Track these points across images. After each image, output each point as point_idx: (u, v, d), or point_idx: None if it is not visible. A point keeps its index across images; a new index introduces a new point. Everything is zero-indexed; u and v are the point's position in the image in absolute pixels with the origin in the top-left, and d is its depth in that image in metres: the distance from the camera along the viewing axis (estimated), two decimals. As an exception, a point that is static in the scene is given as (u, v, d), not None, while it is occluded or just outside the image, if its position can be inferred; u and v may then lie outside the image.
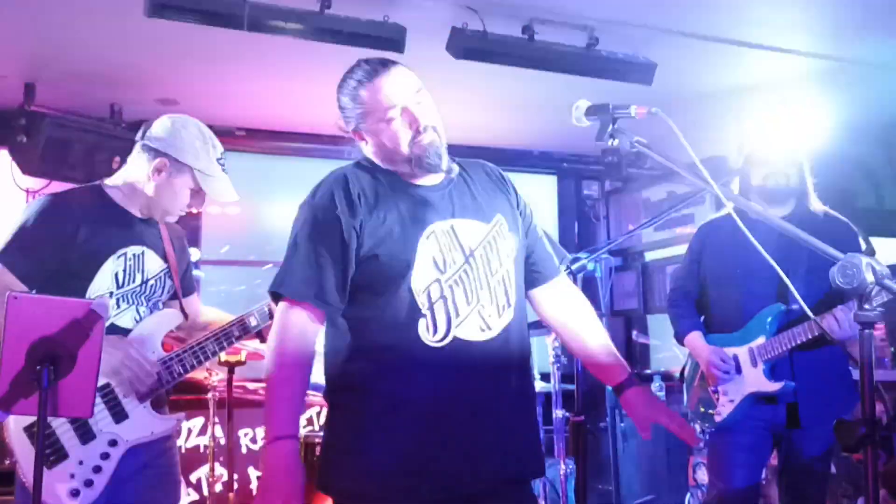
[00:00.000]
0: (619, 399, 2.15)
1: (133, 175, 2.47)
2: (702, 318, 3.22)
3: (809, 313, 2.06)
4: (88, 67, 4.54)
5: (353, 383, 1.89)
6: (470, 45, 3.88)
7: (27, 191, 5.07)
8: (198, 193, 2.51)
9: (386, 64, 1.97)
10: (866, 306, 1.38)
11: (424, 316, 1.85)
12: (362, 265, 1.87)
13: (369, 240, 1.87)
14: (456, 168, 2.00)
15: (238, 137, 5.69)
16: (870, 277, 1.36)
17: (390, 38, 3.74)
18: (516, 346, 1.96)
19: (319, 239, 1.87)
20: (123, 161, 2.54)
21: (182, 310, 2.58)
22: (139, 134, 2.47)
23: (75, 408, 1.94)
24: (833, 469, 3.92)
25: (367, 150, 2.00)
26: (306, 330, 1.87)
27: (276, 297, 1.91)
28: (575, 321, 2.16)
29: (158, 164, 2.43)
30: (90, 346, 1.87)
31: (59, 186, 5.17)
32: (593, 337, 2.16)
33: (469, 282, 1.89)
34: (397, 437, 1.84)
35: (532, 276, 2.10)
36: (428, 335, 1.85)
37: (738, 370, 3.02)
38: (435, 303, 1.85)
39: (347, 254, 1.87)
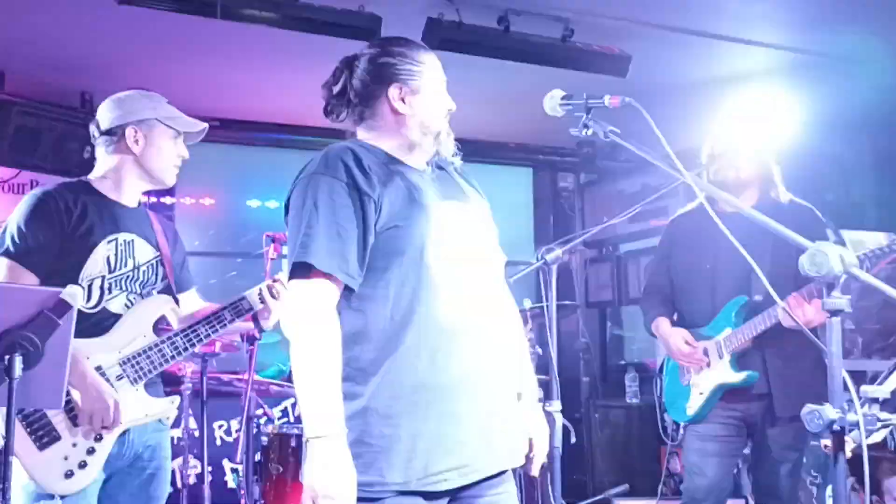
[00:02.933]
0: None
1: (112, 161, 2.49)
2: (674, 314, 3.25)
3: (776, 297, 2.07)
4: (59, 56, 4.47)
5: (365, 366, 1.79)
6: (445, 36, 3.87)
7: (-4, 180, 5.00)
8: (177, 139, 2.55)
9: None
10: (835, 294, 1.40)
11: (445, 293, 1.81)
12: (382, 236, 1.80)
13: (388, 211, 1.81)
14: (458, 161, 2.04)
15: (212, 128, 5.63)
16: (838, 266, 1.38)
17: (365, 28, 3.72)
18: (511, 327, 1.97)
19: (340, 210, 1.78)
20: (94, 151, 2.54)
21: (175, 299, 2.59)
22: (94, 131, 2.51)
23: (46, 399, 1.92)
24: (803, 458, 3.98)
25: (395, 112, 1.93)
26: (334, 305, 1.77)
27: (298, 270, 1.77)
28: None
29: (130, 135, 2.46)
30: (60, 336, 1.84)
31: (29, 176, 5.11)
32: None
33: (474, 261, 1.89)
34: (418, 419, 1.77)
35: None
36: (448, 312, 1.81)
37: (708, 363, 3.06)
38: (453, 279, 1.83)
39: (368, 225, 1.79)
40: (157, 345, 2.42)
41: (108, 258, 2.39)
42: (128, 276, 2.44)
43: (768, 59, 4.55)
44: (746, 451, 3.31)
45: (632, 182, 6.37)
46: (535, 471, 2.05)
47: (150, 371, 2.40)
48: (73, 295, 1.86)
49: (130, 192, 2.52)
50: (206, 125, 2.62)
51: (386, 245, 1.81)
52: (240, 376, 4.25)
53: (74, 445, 2.26)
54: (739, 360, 3.01)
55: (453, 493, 1.83)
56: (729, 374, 3.00)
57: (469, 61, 4.11)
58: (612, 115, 1.82)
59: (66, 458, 2.25)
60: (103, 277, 2.38)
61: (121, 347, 2.38)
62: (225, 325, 2.52)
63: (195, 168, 5.96)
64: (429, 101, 1.95)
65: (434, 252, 1.82)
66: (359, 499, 1.71)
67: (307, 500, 1.68)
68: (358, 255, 1.78)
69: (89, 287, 2.34)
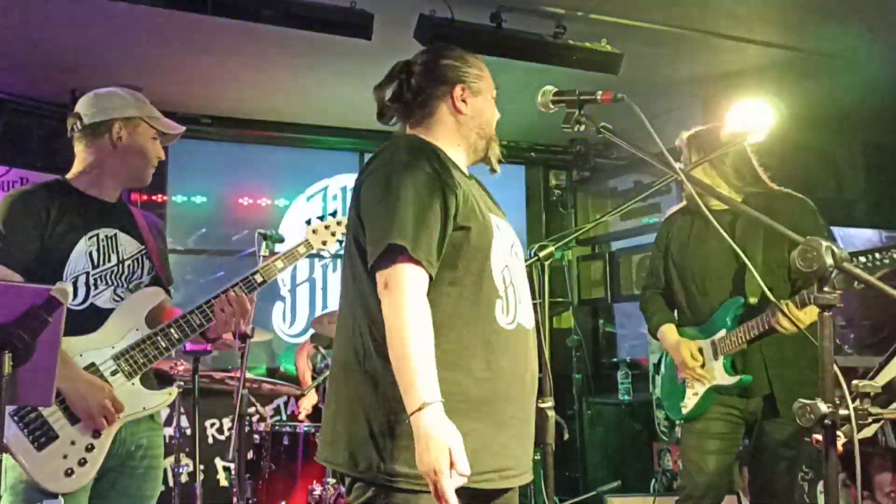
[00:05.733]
0: None
1: (92, 157, 2.48)
2: (674, 311, 3.25)
3: (772, 297, 2.08)
4: (49, 53, 4.45)
5: (446, 358, 1.77)
6: (438, 33, 3.86)
7: (-15, 178, 4.97)
8: (156, 140, 2.54)
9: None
10: (826, 289, 1.40)
11: (501, 297, 1.87)
12: (456, 234, 1.83)
13: (465, 210, 1.84)
14: (497, 169, 2.08)
15: (203, 125, 5.62)
16: (829, 261, 1.38)
17: (357, 25, 3.72)
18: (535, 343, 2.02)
19: (428, 201, 1.79)
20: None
21: (168, 293, 2.58)
22: (75, 126, 2.49)
23: (36, 396, 1.91)
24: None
25: (454, 113, 1.99)
26: (426, 289, 1.76)
27: (390, 254, 1.74)
28: None
29: (115, 130, 2.45)
30: (50, 334, 1.83)
31: (18, 174, 5.08)
32: None
33: (519, 272, 1.96)
34: (472, 419, 1.77)
35: None
36: (503, 316, 1.86)
37: (702, 363, 3.07)
38: (507, 287, 1.89)
39: (448, 218, 1.81)
40: (150, 337, 2.40)
41: (90, 254, 2.38)
42: (113, 271, 2.42)
43: (760, 57, 4.56)
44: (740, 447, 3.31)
45: (624, 179, 6.38)
46: None
47: (145, 364, 2.38)
48: (64, 291, 1.85)
49: (110, 188, 2.50)
50: (183, 128, 2.61)
51: (457, 243, 1.83)
52: (232, 374, 4.24)
53: (73, 443, 2.25)
54: (735, 363, 3.00)
55: (486, 497, 1.85)
56: (723, 377, 3.01)
57: (461, 58, 4.10)
58: (605, 114, 1.83)
59: (65, 457, 2.23)
60: (87, 273, 2.36)
61: (114, 342, 2.36)
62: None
63: (187, 166, 6.02)
64: (486, 104, 2.03)
65: (496, 259, 1.87)
66: (407, 490, 1.73)
67: (430, 465, 1.63)
68: (437, 247, 1.79)
69: (74, 284, 2.33)
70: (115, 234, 2.46)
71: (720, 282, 3.04)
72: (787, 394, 2.93)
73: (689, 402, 3.10)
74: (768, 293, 1.73)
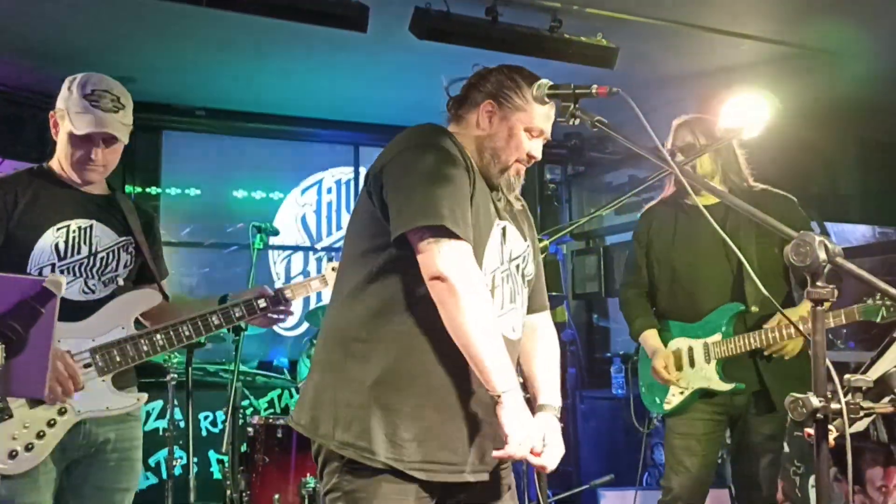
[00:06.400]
0: None
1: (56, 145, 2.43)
2: (653, 308, 3.22)
3: (783, 313, 2.10)
4: (42, 44, 4.43)
5: (401, 339, 1.83)
6: (433, 26, 3.86)
7: (-22, 169, 4.95)
8: (85, 139, 2.35)
9: (553, 98, 1.97)
10: (819, 284, 1.40)
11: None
12: None
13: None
14: (517, 202, 2.11)
15: (197, 117, 5.61)
16: (823, 255, 1.39)
17: (352, 17, 3.71)
18: (517, 355, 2.05)
19: (462, 181, 1.83)
20: None
21: (162, 290, 2.53)
22: None
23: (28, 388, 1.90)
24: (786, 448, 4.01)
25: (480, 125, 1.99)
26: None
27: (431, 231, 1.76)
28: (537, 357, 2.15)
29: (51, 122, 2.40)
30: (43, 325, 1.83)
31: (11, 165, 5.05)
32: (541, 362, 2.15)
33: (513, 283, 1.97)
34: (440, 402, 1.83)
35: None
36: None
37: (692, 363, 3.05)
38: (495, 288, 1.90)
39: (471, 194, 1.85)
40: (133, 338, 2.35)
41: (56, 245, 2.32)
42: (82, 263, 2.36)
43: (755, 52, 4.56)
44: (729, 440, 3.32)
45: (619, 174, 6.39)
46: None
47: (120, 364, 2.33)
48: (58, 283, 1.84)
49: (82, 178, 2.41)
50: (99, 131, 2.34)
51: None
52: (226, 367, 4.24)
53: (26, 427, 2.20)
54: (726, 367, 2.99)
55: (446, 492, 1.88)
56: (715, 382, 2.99)
57: (456, 51, 4.10)
58: (600, 109, 1.82)
59: (13, 438, 2.19)
60: (53, 265, 2.31)
61: (95, 335, 2.31)
62: (211, 329, 2.43)
63: (181, 158, 5.99)
64: (511, 135, 1.97)
65: (489, 258, 1.89)
66: (355, 462, 1.80)
67: (520, 444, 1.75)
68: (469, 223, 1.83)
69: (40, 275, 2.26)
70: (91, 226, 2.40)
71: (713, 283, 3.02)
72: (779, 387, 2.94)
73: (674, 399, 3.08)
74: (778, 308, 1.73)
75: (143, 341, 2.36)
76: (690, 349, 3.06)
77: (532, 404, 2.07)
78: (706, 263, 3.03)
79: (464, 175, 1.85)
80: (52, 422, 2.24)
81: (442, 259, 1.75)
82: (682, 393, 3.06)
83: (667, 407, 3.10)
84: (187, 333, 2.40)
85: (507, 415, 1.74)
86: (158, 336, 2.37)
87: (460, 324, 1.74)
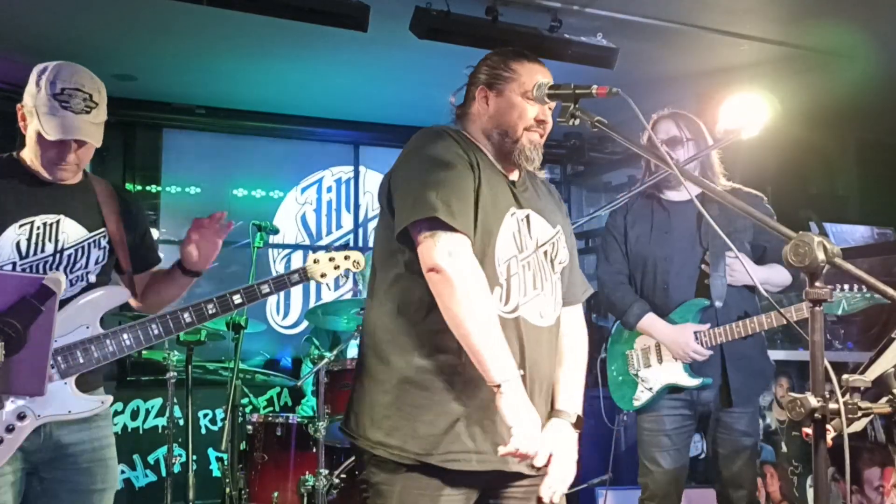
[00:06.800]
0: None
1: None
2: None
3: (781, 312, 2.11)
4: (42, 41, 4.43)
5: (422, 338, 1.87)
6: (433, 26, 3.86)
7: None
8: (58, 143, 2.22)
9: (543, 63, 2.05)
10: (817, 284, 1.41)
11: (501, 286, 1.89)
12: None
13: (477, 194, 1.90)
14: (542, 174, 2.13)
15: (197, 115, 5.61)
16: (821, 256, 1.39)
17: (353, 16, 3.71)
18: (555, 342, 2.05)
19: (460, 174, 1.86)
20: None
21: (133, 286, 2.43)
22: None
23: (27, 385, 1.91)
24: (784, 447, 4.02)
25: (480, 112, 2.03)
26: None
27: (428, 224, 1.80)
28: (565, 351, 2.13)
29: (19, 116, 2.28)
30: (42, 323, 1.83)
31: (11, 163, 5.05)
32: (565, 365, 2.12)
33: (538, 270, 1.97)
34: (463, 397, 1.85)
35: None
36: (500, 304, 1.88)
37: (660, 359, 3.09)
38: (511, 276, 1.91)
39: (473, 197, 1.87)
40: (98, 338, 2.23)
41: (17, 244, 2.21)
42: (46, 261, 2.25)
43: (755, 53, 4.57)
44: (703, 441, 3.35)
45: (618, 173, 6.39)
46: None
47: (84, 365, 2.21)
48: (57, 281, 1.84)
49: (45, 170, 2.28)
50: (70, 137, 2.21)
51: None
52: (225, 365, 4.24)
53: None
54: (693, 363, 3.01)
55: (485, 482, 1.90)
56: (683, 377, 3.02)
57: (456, 51, 4.10)
58: (600, 108, 1.83)
59: None
60: (14, 264, 2.20)
61: (57, 336, 2.16)
62: (182, 327, 2.31)
63: (181, 156, 5.99)
64: (511, 106, 1.99)
65: (501, 248, 1.90)
66: (384, 458, 1.86)
67: (526, 436, 1.73)
68: (469, 213, 1.84)
69: None
70: (58, 221, 2.28)
71: (683, 277, 3.05)
72: (741, 383, 3.00)
73: (642, 395, 3.11)
74: (769, 298, 1.73)
75: (109, 342, 2.23)
76: (658, 346, 3.09)
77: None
78: (679, 259, 3.06)
79: (464, 169, 1.88)
80: (10, 427, 2.14)
81: (436, 251, 1.78)
82: (650, 390, 3.09)
83: (636, 403, 3.13)
84: (156, 332, 2.28)
85: (506, 406, 1.75)
86: (126, 335, 2.25)
87: (455, 314, 1.76)
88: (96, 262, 2.34)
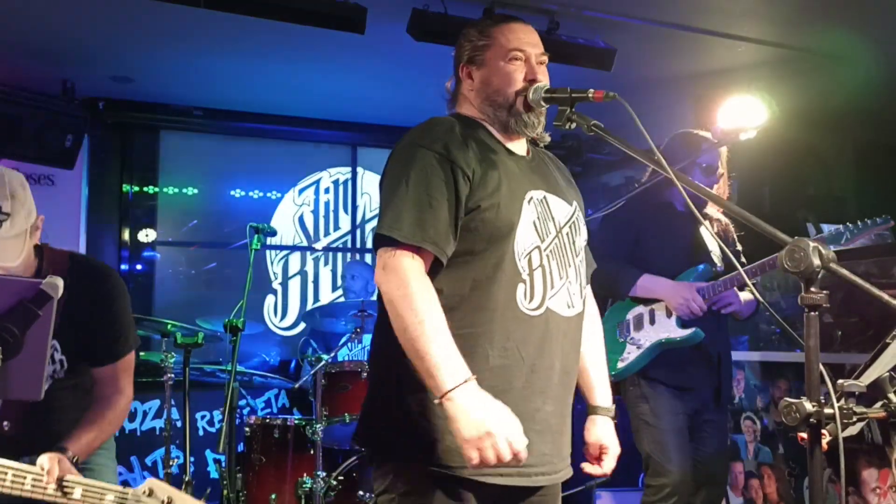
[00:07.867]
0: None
1: None
2: None
3: (771, 311, 2.11)
4: (40, 43, 4.42)
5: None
6: (431, 28, 3.86)
7: (-25, 169, 4.94)
8: None
9: (524, 20, 1.98)
10: (813, 289, 1.41)
11: (524, 282, 1.80)
12: (468, 216, 1.78)
13: (480, 190, 1.79)
14: (546, 138, 2.01)
15: (195, 117, 5.61)
16: (816, 261, 1.39)
17: (350, 19, 3.71)
18: (581, 328, 1.96)
19: (433, 182, 1.76)
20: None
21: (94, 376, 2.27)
22: None
23: (25, 389, 1.90)
24: (781, 449, 4.03)
25: (468, 89, 1.97)
26: (426, 274, 1.72)
27: (383, 241, 1.75)
28: (587, 336, 2.06)
29: None
30: (39, 327, 1.83)
31: (9, 164, 5.06)
32: (589, 356, 2.08)
33: (561, 256, 1.88)
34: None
35: None
36: (525, 301, 1.80)
37: (652, 321, 3.11)
38: (534, 270, 1.81)
39: (460, 200, 1.77)
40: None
41: None
42: None
43: (752, 54, 4.57)
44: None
45: (615, 175, 6.39)
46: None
47: None
48: (54, 286, 1.84)
49: None
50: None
51: (475, 224, 1.79)
52: (223, 367, 4.25)
53: None
54: (685, 321, 3.04)
55: (513, 496, 1.83)
56: (674, 330, 3.03)
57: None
58: (596, 108, 1.83)
59: None
60: None
61: None
62: None
63: (178, 158, 5.98)
64: (494, 72, 1.92)
65: (521, 241, 1.81)
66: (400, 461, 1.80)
67: (472, 449, 1.61)
68: (449, 229, 1.75)
69: None
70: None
71: (679, 272, 3.13)
72: (728, 385, 3.17)
73: (629, 355, 3.11)
74: (766, 306, 1.74)
75: None
76: (652, 310, 3.12)
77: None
78: (677, 261, 3.11)
79: (444, 173, 1.77)
80: None
81: (381, 269, 1.74)
82: (639, 349, 3.09)
83: (620, 365, 3.10)
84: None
85: (474, 409, 1.63)
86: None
87: (397, 329, 1.70)
88: (50, 378, 2.20)
